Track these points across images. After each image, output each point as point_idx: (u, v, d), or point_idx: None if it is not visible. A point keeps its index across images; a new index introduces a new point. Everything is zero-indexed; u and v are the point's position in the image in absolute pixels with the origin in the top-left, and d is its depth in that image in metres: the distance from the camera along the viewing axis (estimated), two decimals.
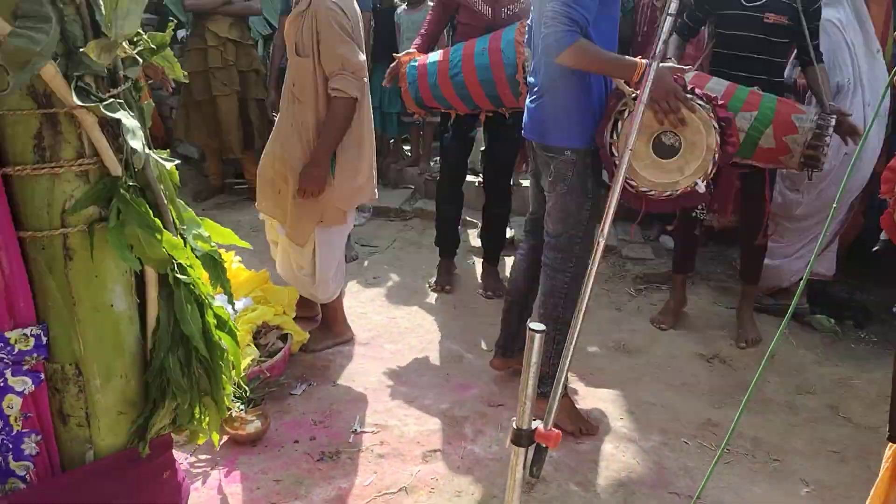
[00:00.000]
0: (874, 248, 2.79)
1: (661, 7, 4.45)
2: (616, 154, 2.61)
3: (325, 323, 3.53)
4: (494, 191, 4.09)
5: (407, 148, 6.45)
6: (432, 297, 4.16)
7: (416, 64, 3.64)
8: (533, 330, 1.51)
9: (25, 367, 1.44)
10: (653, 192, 2.64)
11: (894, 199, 2.58)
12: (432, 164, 5.93)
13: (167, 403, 1.54)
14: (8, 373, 1.43)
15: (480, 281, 4.30)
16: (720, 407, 3.18)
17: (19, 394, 1.44)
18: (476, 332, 3.74)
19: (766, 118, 3.22)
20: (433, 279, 4.29)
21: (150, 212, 1.45)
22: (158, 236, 1.45)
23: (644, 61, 2.44)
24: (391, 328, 3.76)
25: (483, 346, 3.59)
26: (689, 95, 2.55)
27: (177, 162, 1.59)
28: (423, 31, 3.92)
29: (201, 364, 1.56)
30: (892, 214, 2.58)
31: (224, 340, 1.60)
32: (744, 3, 3.37)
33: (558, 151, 2.76)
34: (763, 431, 3.02)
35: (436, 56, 3.62)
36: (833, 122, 3.17)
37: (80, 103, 1.32)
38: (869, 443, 2.93)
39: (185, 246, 1.52)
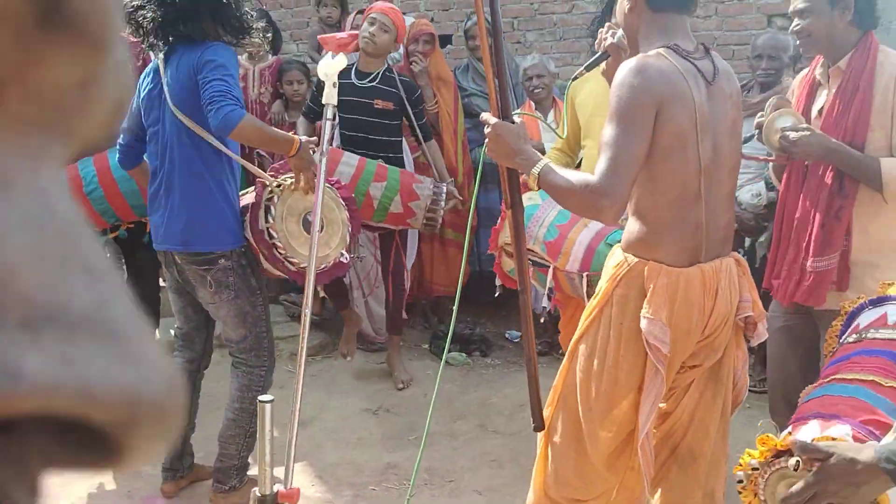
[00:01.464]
0: (496, 294, 3.56)
1: None
2: (276, 235, 2.91)
3: None
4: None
5: None
6: None
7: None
8: (262, 401, 1.83)
9: None
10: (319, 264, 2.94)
11: (499, 252, 3.38)
12: None
13: None
14: None
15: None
16: (394, 451, 3.65)
17: None
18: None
19: (394, 188, 3.89)
20: None
21: None
22: None
23: (298, 138, 2.82)
24: None
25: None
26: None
27: None
28: None
29: None
30: (499, 265, 3.37)
31: None
32: (357, 87, 4.02)
33: (211, 261, 2.83)
34: (434, 461, 3.49)
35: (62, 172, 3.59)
36: (444, 190, 3.95)
37: None
38: (517, 446, 3.62)
39: None
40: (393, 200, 3.90)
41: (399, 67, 4.55)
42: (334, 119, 2.37)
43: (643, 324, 1.96)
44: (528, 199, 3.28)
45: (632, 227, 2.08)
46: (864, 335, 1.79)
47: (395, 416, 4.04)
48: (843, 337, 1.90)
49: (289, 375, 4.57)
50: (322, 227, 2.87)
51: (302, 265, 2.88)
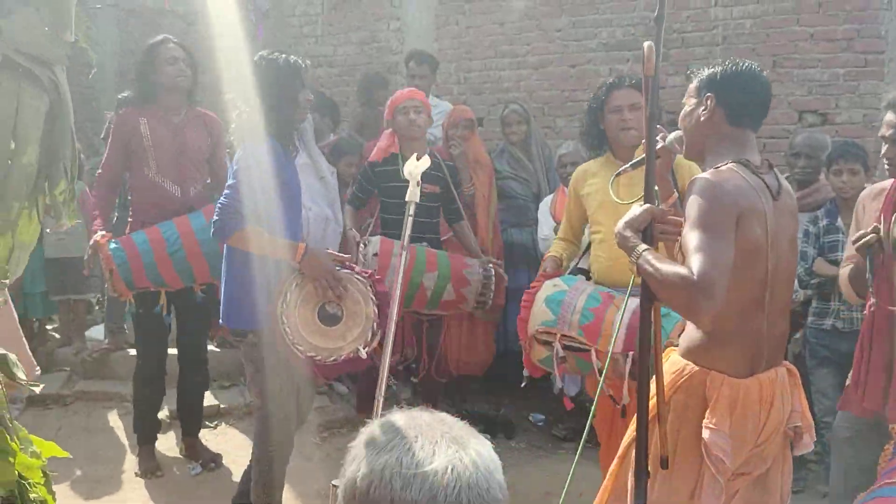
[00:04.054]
0: (522, 384, 3.59)
1: None
2: (286, 321, 2.97)
3: None
4: (190, 361, 4.19)
5: (50, 328, 6.13)
6: (138, 485, 4.03)
7: (121, 245, 3.72)
8: (335, 485, 1.87)
9: None
10: (318, 357, 2.98)
11: (529, 341, 3.41)
12: (89, 343, 5.73)
13: None
14: None
15: (186, 455, 4.28)
16: None
17: None
18: None
19: (446, 276, 3.97)
20: (137, 468, 4.12)
21: (5, 434, 1.53)
22: (12, 459, 1.53)
23: (303, 245, 2.97)
24: None
25: None
26: (347, 272, 3.01)
27: None
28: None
29: None
30: (529, 355, 3.40)
31: None
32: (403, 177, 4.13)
33: (242, 334, 3.07)
34: None
35: (142, 236, 3.74)
36: (493, 272, 4.01)
37: None
38: None
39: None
40: (445, 289, 3.98)
41: (437, 150, 4.68)
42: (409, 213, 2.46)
43: (706, 434, 1.99)
44: (553, 286, 3.33)
45: (692, 333, 2.13)
46: None
47: None
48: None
49: (315, 447, 4.58)
50: (341, 319, 2.98)
51: (309, 353, 2.97)
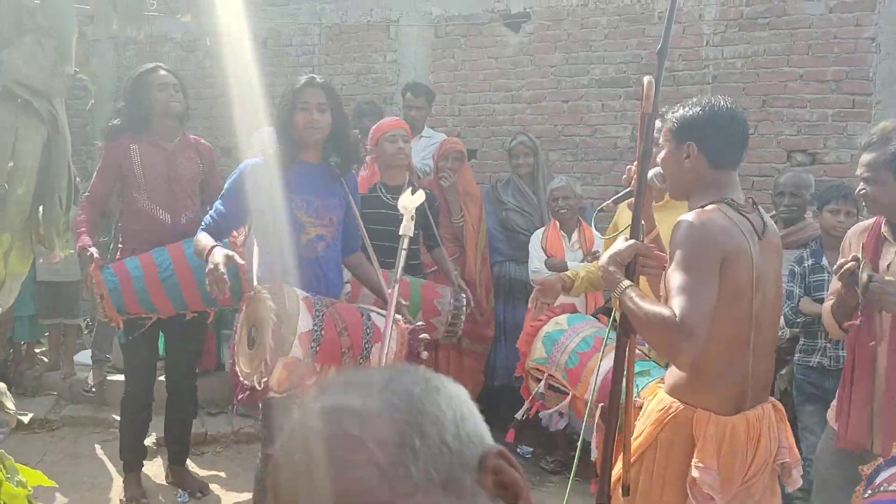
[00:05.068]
0: (523, 416, 3.57)
1: None
2: (235, 340, 3.04)
3: None
4: (178, 389, 4.17)
5: (38, 351, 6.09)
6: None
7: (113, 269, 3.72)
8: None
9: None
10: (245, 381, 2.87)
11: (525, 375, 3.44)
12: (77, 369, 5.70)
13: None
14: None
15: (173, 482, 4.25)
16: None
17: None
18: None
19: (416, 306, 3.97)
20: (122, 495, 4.08)
21: (14, 466, 1.55)
22: (24, 489, 1.54)
23: (214, 245, 3.01)
24: None
25: None
26: (262, 289, 2.86)
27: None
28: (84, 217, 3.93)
29: None
30: (527, 387, 3.42)
31: None
32: (385, 201, 4.13)
33: None
34: None
35: (135, 261, 3.74)
36: (464, 301, 4.00)
37: None
38: None
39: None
40: (416, 318, 3.98)
41: (428, 182, 4.72)
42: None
43: (695, 473, 2.01)
44: (555, 323, 3.36)
45: (678, 371, 2.15)
46: (878, 490, 1.85)
47: None
48: (864, 493, 1.96)
49: None
50: (253, 344, 2.86)
51: (244, 381, 2.91)
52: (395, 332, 3.02)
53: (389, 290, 2.53)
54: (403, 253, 2.43)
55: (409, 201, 2.39)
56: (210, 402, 5.04)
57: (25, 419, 1.47)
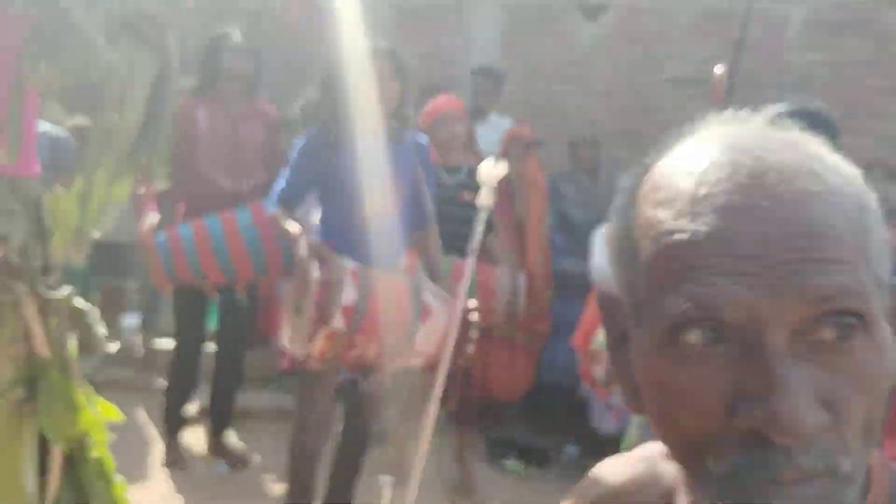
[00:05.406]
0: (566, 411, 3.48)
1: None
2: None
3: None
4: (226, 359, 4.13)
5: None
6: (164, 475, 3.97)
7: (167, 237, 3.68)
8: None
9: None
10: (289, 347, 2.97)
11: (587, 357, 3.34)
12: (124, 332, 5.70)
13: None
14: None
15: (213, 451, 4.20)
16: None
17: None
18: None
19: (472, 287, 3.84)
20: (163, 459, 4.07)
21: (73, 391, 1.48)
22: (76, 415, 1.48)
23: (297, 235, 2.92)
24: None
25: None
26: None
27: None
28: None
29: None
30: (587, 368, 3.33)
31: None
32: (444, 181, 4.03)
33: None
34: None
35: (187, 229, 3.69)
36: (522, 282, 3.87)
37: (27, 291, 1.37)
38: None
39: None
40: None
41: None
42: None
43: None
44: None
45: None
46: None
47: None
48: None
49: None
50: (299, 313, 2.86)
51: (288, 347, 2.97)
52: (445, 311, 2.94)
53: (465, 262, 2.42)
54: (480, 225, 2.33)
55: (490, 172, 2.29)
56: (255, 376, 4.97)
57: (112, 349, 1.42)
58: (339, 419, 3.35)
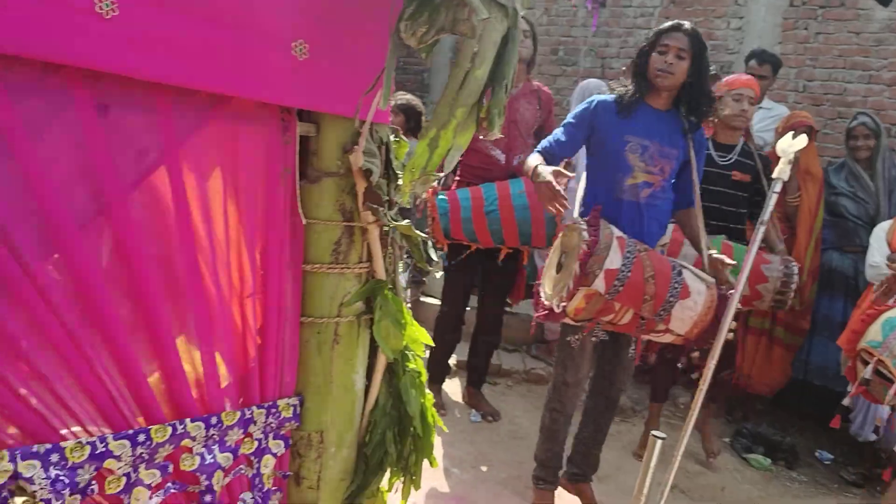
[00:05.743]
0: (832, 421, 3.34)
1: None
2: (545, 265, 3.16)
3: None
4: (487, 319, 4.43)
5: None
6: None
7: (446, 197, 4.03)
8: (655, 436, 1.90)
9: (282, 433, 1.69)
10: (545, 301, 3.00)
11: (853, 356, 3.21)
12: None
13: (380, 475, 1.80)
14: (270, 436, 1.66)
15: (467, 402, 4.52)
16: None
17: (274, 455, 1.67)
18: (487, 454, 4.00)
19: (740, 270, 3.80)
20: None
21: (401, 309, 1.77)
22: (402, 330, 1.76)
23: (534, 165, 3.03)
24: None
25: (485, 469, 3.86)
26: (580, 221, 2.94)
27: None
28: None
29: (414, 441, 1.83)
30: (853, 369, 3.20)
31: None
32: (717, 160, 4.03)
33: None
34: None
35: (466, 192, 4.03)
36: (796, 270, 3.75)
37: (372, 220, 1.67)
38: None
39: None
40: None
41: (767, 154, 4.49)
42: None
43: None
44: None
45: None
46: None
47: (687, 499, 3.94)
48: None
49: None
50: (560, 269, 2.99)
51: (545, 301, 3.01)
52: (704, 293, 2.94)
53: (754, 235, 2.42)
54: (774, 196, 2.31)
55: (789, 144, 2.28)
56: (508, 339, 5.27)
57: (437, 274, 1.69)
58: (591, 383, 3.50)
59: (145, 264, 1.41)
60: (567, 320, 3.05)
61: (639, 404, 4.95)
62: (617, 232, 2.95)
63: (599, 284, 2.84)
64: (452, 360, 4.74)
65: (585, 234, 2.85)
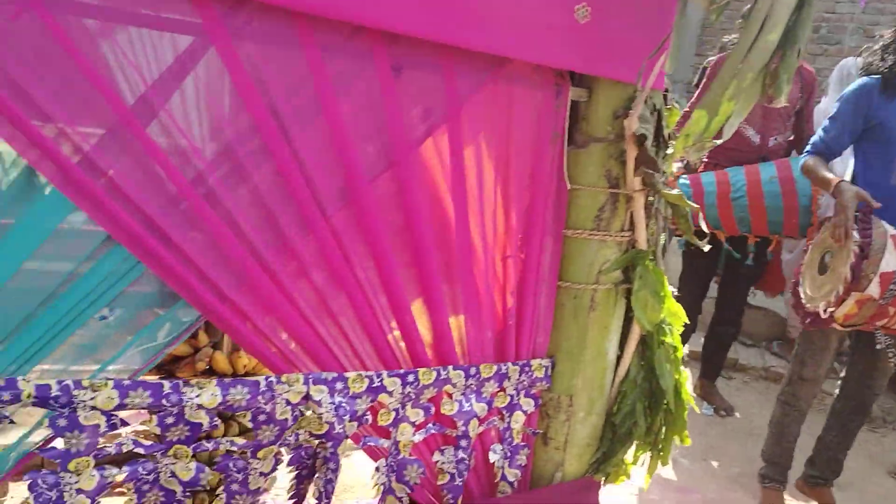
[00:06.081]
0: None
1: None
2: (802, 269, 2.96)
3: None
4: (726, 309, 4.24)
5: None
6: None
7: (689, 181, 3.89)
8: None
9: (533, 392, 1.74)
10: (807, 304, 2.84)
11: None
12: None
13: (627, 445, 1.80)
14: (521, 394, 1.72)
15: (700, 395, 4.35)
16: None
17: (524, 412, 1.73)
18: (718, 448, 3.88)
19: None
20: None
21: (662, 281, 1.74)
22: (662, 304, 1.74)
23: (834, 180, 2.75)
24: None
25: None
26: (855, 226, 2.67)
27: None
28: None
29: (665, 417, 1.81)
30: None
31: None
32: None
33: None
34: None
35: (710, 177, 3.87)
36: None
37: (639, 188, 1.65)
38: None
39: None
40: None
41: None
42: None
43: None
44: None
45: None
46: None
47: None
48: None
49: None
50: (824, 270, 2.79)
51: (807, 305, 2.85)
52: None
53: None
54: None
55: None
56: (748, 333, 5.02)
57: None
58: (844, 384, 3.25)
59: (423, 220, 1.50)
60: (836, 326, 2.85)
61: (890, 414, 4.52)
62: (891, 230, 2.70)
63: (874, 289, 2.63)
64: (685, 350, 4.58)
65: (856, 234, 2.64)
